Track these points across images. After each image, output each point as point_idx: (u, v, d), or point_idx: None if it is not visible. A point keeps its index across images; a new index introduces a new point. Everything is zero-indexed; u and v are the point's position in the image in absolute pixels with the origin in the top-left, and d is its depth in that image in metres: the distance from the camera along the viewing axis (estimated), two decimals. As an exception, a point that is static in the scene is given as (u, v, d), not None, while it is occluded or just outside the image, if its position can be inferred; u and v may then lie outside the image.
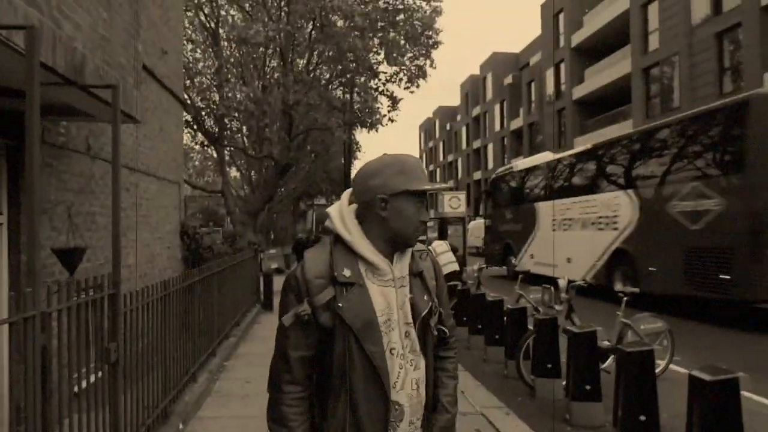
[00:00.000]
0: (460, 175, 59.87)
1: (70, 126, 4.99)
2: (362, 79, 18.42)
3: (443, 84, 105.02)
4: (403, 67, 18.67)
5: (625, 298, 5.68)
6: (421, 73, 19.11)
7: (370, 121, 18.48)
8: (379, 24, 17.39)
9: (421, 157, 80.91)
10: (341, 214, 1.64)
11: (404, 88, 19.39)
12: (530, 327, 5.71)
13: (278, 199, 28.44)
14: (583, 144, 32.15)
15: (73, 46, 3.19)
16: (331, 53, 16.70)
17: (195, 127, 18.38)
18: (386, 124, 18.78)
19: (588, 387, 4.57)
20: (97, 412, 3.14)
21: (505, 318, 6.49)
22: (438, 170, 70.94)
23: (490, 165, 50.30)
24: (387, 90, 19.47)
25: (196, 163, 36.57)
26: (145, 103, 6.31)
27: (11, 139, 4.12)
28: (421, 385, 1.60)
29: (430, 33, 18.70)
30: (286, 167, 18.42)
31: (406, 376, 1.56)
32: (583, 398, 4.59)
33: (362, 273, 1.57)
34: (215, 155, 22.57)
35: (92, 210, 5.51)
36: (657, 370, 4.87)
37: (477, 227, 36.55)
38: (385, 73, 19.17)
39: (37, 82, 2.56)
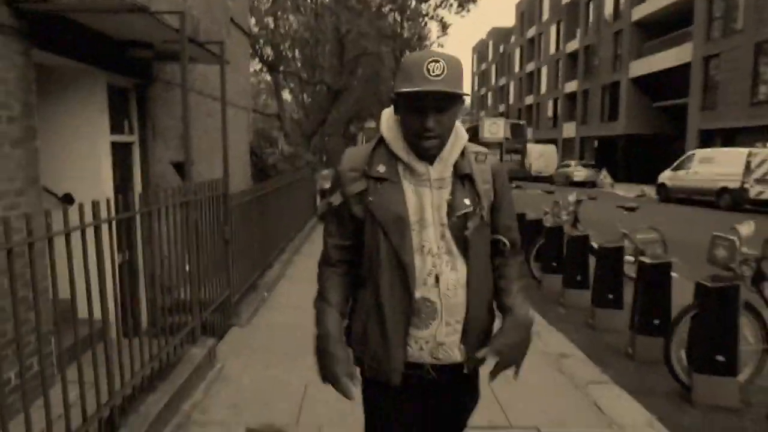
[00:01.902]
0: (512, 100, 58.95)
1: (174, 66, 6.30)
2: (413, 3, 18.86)
3: (499, 4, 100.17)
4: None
5: (624, 212, 6.70)
6: (473, -4, 19.31)
7: (419, 47, 19.10)
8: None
9: (473, 80, 79.38)
10: (388, 116, 1.67)
11: (455, 13, 19.72)
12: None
13: (330, 122, 29.61)
14: (637, 69, 31.40)
15: (192, 14, 4.41)
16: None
17: (252, 53, 19.54)
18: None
19: (611, 296, 5.12)
20: (218, 271, 4.65)
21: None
22: (490, 93, 69.77)
23: (543, 89, 49.38)
24: (437, 15, 19.86)
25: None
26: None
27: (140, 78, 5.45)
28: (459, 287, 1.57)
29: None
30: (338, 92, 19.46)
31: (440, 276, 1.55)
32: (606, 305, 5.13)
33: (399, 171, 1.59)
34: (269, 80, 23.79)
35: (190, 133, 6.92)
36: None
37: (538, 151, 36.67)
38: (435, -2, 19.50)
39: (185, 51, 3.85)
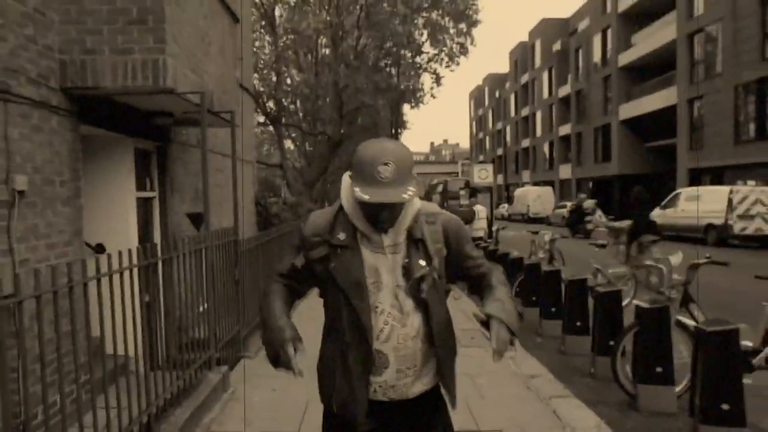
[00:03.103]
0: (509, 143, 60.42)
1: (188, 129, 7.14)
2: (408, 55, 20.03)
3: (492, 52, 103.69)
4: (443, 48, 20.12)
5: (596, 248, 7.18)
6: (463, 51, 20.54)
7: (413, 98, 20.23)
8: (424, 4, 18.80)
9: (471, 125, 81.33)
10: (347, 183, 1.80)
11: (445, 67, 20.92)
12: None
13: (331, 171, 30.71)
14: (627, 112, 32.59)
15: (209, 89, 5.26)
16: (373, 39, 18.38)
17: (256, 108, 20.69)
18: (427, 102, 20.50)
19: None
20: (228, 309, 5.31)
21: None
22: (487, 138, 71.44)
23: (539, 132, 50.78)
24: (430, 68, 21.06)
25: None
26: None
27: (160, 141, 6.26)
28: (409, 340, 1.74)
29: (471, 12, 19.97)
30: (338, 143, 20.47)
31: (392, 332, 1.73)
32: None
33: (357, 238, 1.77)
34: (272, 130, 24.90)
35: (201, 187, 7.70)
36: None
37: (525, 194, 37.81)
38: (428, 53, 20.73)
39: (204, 122, 4.66)
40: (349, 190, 1.77)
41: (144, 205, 6.04)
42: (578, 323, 5.74)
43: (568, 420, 3.98)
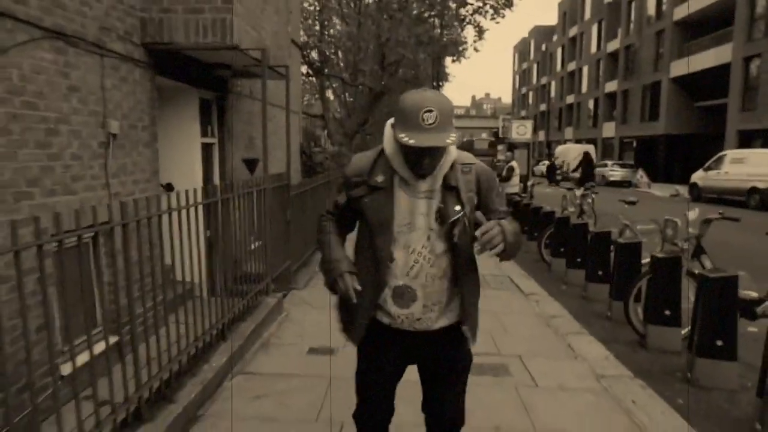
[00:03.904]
0: (553, 98, 58.95)
1: (243, 80, 7.66)
2: (452, 6, 19.82)
3: (540, 3, 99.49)
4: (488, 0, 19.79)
5: (626, 205, 7.21)
6: (507, 3, 20.18)
7: (456, 51, 20.14)
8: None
9: (514, 79, 79.34)
10: (389, 128, 1.92)
11: (490, 19, 20.62)
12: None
13: (371, 123, 31.00)
14: (678, 69, 31.45)
15: (265, 44, 5.73)
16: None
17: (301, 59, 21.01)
18: (469, 56, 20.43)
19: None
20: (277, 246, 5.95)
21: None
22: (531, 93, 69.78)
23: (584, 89, 49.39)
24: (474, 20, 20.80)
25: (297, 88, 39.52)
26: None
27: (219, 92, 6.81)
28: (436, 279, 1.90)
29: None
30: (379, 95, 20.69)
31: (421, 270, 1.89)
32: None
33: (395, 182, 1.89)
34: (314, 80, 25.24)
35: (253, 135, 8.28)
36: None
37: (566, 152, 37.27)
38: (472, 4, 20.44)
39: (265, 77, 5.16)
40: (391, 136, 1.89)
41: (206, 150, 6.66)
42: (600, 272, 6.17)
43: (580, 352, 4.49)
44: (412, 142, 1.73)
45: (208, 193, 4.16)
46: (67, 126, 3.77)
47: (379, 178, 1.89)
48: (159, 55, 5.03)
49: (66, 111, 3.76)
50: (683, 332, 4.61)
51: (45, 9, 3.52)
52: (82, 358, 2.74)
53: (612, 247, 6.23)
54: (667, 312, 4.55)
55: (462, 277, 1.95)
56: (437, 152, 1.83)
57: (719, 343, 3.82)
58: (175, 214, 3.52)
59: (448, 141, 1.75)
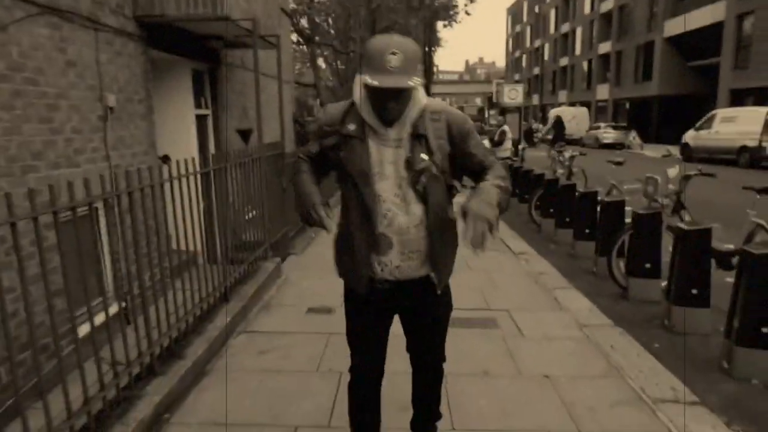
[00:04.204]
0: (546, 61, 58.43)
1: (234, 51, 7.70)
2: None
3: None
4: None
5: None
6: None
7: (447, 17, 19.98)
8: None
9: (507, 43, 78.35)
10: (359, 80, 1.87)
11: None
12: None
13: (364, 91, 30.75)
14: (672, 28, 31.18)
15: (255, 14, 5.79)
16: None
17: (291, 27, 20.78)
18: (461, 20, 20.27)
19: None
20: (275, 213, 6.13)
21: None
22: (525, 56, 69.02)
23: (577, 51, 48.94)
24: (464, -17, 20.56)
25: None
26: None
27: (211, 63, 6.88)
28: (411, 227, 1.92)
29: None
30: (370, 62, 20.59)
31: (394, 218, 1.91)
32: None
33: (365, 130, 1.90)
34: (305, 49, 25.02)
35: (246, 105, 8.36)
36: None
37: (570, 113, 37.12)
38: (463, -33, 20.20)
39: (256, 47, 5.25)
40: (360, 85, 1.88)
41: (200, 122, 6.77)
42: (587, 230, 6.39)
43: (565, 304, 4.74)
44: (375, 83, 1.74)
45: (206, 162, 4.30)
46: (67, 101, 3.90)
47: (351, 127, 1.91)
48: (151, 27, 5.11)
49: (64, 86, 3.88)
50: (663, 284, 4.85)
51: (39, -15, 3.61)
52: (99, 319, 2.94)
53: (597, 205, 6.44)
54: (648, 265, 4.79)
55: (432, 224, 1.94)
56: (402, 96, 1.82)
57: (694, 291, 4.06)
58: (176, 183, 3.66)
59: (410, 83, 1.76)
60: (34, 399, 2.45)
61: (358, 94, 1.91)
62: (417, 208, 1.92)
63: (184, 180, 3.71)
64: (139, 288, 3.15)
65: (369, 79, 1.75)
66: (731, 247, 4.73)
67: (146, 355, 2.99)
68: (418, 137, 1.89)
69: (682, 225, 4.15)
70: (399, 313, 2.18)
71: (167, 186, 3.49)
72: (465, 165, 2.01)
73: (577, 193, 6.77)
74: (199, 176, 4.07)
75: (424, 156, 1.88)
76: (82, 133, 4.08)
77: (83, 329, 3.42)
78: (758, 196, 4.80)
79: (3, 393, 3.00)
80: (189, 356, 3.32)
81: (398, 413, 2.64)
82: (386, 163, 1.90)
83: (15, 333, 2.54)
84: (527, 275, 5.71)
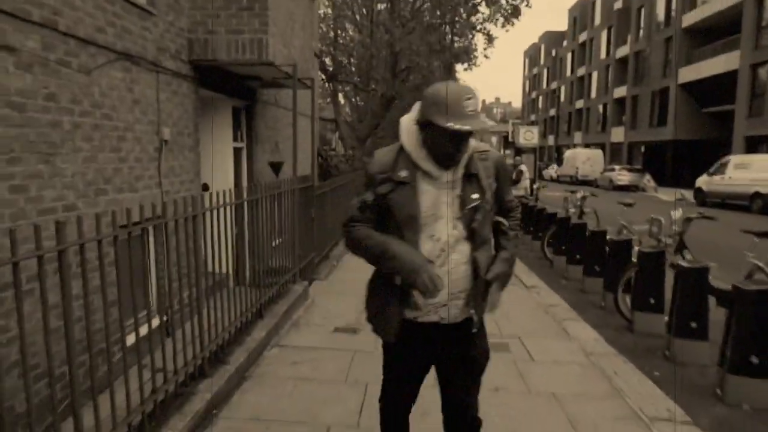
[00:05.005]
0: (562, 103, 59.34)
1: (268, 90, 8.32)
2: (463, 15, 20.46)
3: (550, 8, 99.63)
4: (500, 8, 20.38)
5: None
6: (515, 13, 20.77)
7: (467, 60, 20.74)
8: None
9: (524, 84, 79.73)
10: (407, 125, 1.97)
11: (501, 27, 21.21)
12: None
13: (382, 127, 31.71)
14: (687, 75, 31.81)
15: (294, 59, 6.38)
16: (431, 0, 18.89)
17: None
18: (479, 64, 21.02)
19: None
20: (302, 239, 6.58)
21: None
22: (541, 97, 70.17)
23: (593, 94, 49.78)
24: (484, 28, 21.40)
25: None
26: (305, 69, 9.51)
27: (248, 100, 7.47)
28: (460, 265, 1.95)
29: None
30: (390, 100, 21.33)
31: (447, 257, 1.94)
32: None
33: (417, 176, 1.94)
34: (327, 86, 25.98)
35: (277, 140, 8.93)
36: None
37: (574, 156, 37.76)
38: (483, 13, 21.05)
39: (295, 89, 5.81)
40: (409, 131, 1.98)
41: (236, 154, 7.31)
42: (596, 267, 6.74)
43: (573, 334, 5.07)
44: (458, 126, 1.80)
45: (239, 194, 4.71)
46: (132, 133, 4.43)
47: (403, 173, 1.94)
48: (202, 69, 5.69)
49: (131, 121, 4.42)
50: (665, 318, 5.17)
51: (117, 35, 4.18)
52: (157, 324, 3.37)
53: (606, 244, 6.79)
54: (652, 300, 5.12)
55: (480, 263, 1.99)
56: (470, 140, 1.94)
57: (693, 324, 4.39)
58: (217, 212, 4.05)
59: (490, 123, 1.96)
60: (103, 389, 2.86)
61: (407, 139, 1.98)
62: (466, 247, 1.97)
63: (221, 210, 4.06)
64: (179, 303, 3.56)
65: (451, 124, 1.81)
66: (728, 286, 5.05)
67: (198, 358, 3.40)
68: (470, 177, 1.98)
69: (682, 263, 4.51)
70: (440, 362, 2.16)
71: (208, 214, 3.85)
72: (499, 201, 2.13)
73: (587, 232, 7.13)
74: (233, 207, 4.46)
75: (474, 195, 1.96)
76: (142, 162, 4.60)
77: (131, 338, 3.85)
78: (757, 239, 5.15)
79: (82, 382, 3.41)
80: (232, 362, 3.72)
81: (420, 417, 3.00)
82: (440, 204, 1.95)
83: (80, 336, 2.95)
84: (538, 307, 6.05)
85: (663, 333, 5.05)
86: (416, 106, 1.98)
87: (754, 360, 3.58)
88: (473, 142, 2.01)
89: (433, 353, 2.11)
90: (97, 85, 3.93)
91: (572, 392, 3.76)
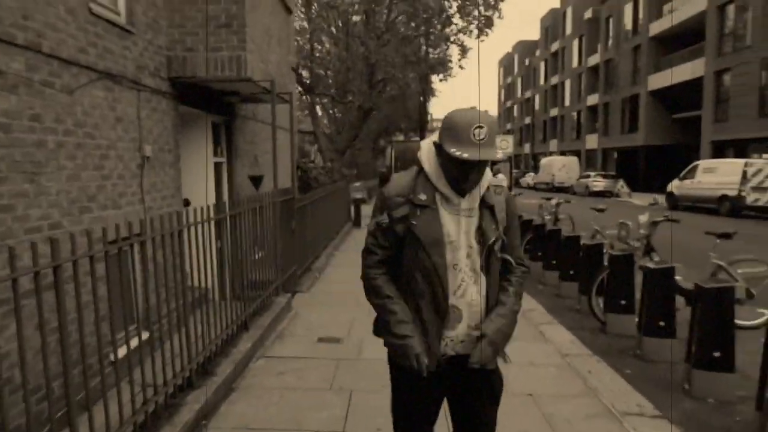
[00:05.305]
0: (537, 111, 60.39)
1: (247, 105, 8.42)
2: (438, 26, 20.83)
3: (523, 19, 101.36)
4: (473, 19, 20.81)
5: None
6: (488, 24, 21.21)
7: (442, 71, 21.12)
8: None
9: (499, 93, 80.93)
10: (428, 147, 1.97)
11: (475, 38, 21.62)
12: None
13: (360, 138, 31.94)
14: (656, 82, 32.73)
15: (271, 75, 6.50)
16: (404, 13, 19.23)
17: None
18: (455, 75, 21.42)
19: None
20: (284, 252, 6.67)
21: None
22: (516, 106, 71.28)
23: (567, 102, 50.80)
24: (458, 40, 21.81)
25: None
26: (283, 84, 9.62)
27: (227, 116, 7.56)
28: (478, 297, 1.90)
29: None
30: (368, 111, 21.56)
31: (467, 289, 1.90)
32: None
33: (436, 199, 1.91)
34: (305, 99, 26.14)
35: (256, 153, 9.02)
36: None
37: (550, 164, 38.49)
38: (457, 24, 21.45)
39: (274, 104, 5.92)
40: (430, 155, 1.97)
41: (216, 169, 7.38)
42: (571, 272, 6.95)
43: (549, 337, 5.25)
44: (465, 155, 1.80)
45: (218, 209, 4.77)
46: (115, 151, 4.50)
47: (422, 197, 1.91)
48: (181, 86, 5.78)
49: (114, 138, 4.49)
50: (636, 319, 5.39)
51: (99, 55, 4.27)
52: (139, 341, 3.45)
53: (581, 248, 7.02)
54: (623, 302, 5.34)
55: (491, 295, 1.96)
56: (483, 168, 1.91)
57: (661, 323, 4.60)
58: (199, 227, 4.11)
59: (498, 154, 1.89)
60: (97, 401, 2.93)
61: (427, 161, 1.97)
62: (482, 280, 1.93)
63: (202, 225, 4.11)
64: (166, 317, 3.63)
65: (457, 152, 1.81)
66: (691, 285, 5.30)
67: (186, 370, 3.47)
68: (487, 208, 1.95)
69: (649, 264, 4.73)
70: (453, 396, 2.10)
71: (186, 231, 3.89)
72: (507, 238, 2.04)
73: (562, 238, 7.36)
74: (213, 222, 4.51)
75: (493, 227, 1.93)
76: (125, 179, 4.67)
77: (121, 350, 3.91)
78: (718, 240, 5.41)
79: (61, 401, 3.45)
80: (219, 374, 3.80)
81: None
82: (460, 233, 1.92)
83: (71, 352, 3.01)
84: (516, 312, 6.22)
85: (634, 333, 5.27)
86: (437, 132, 1.98)
87: (717, 355, 3.79)
88: (489, 175, 2.00)
89: (445, 387, 2.04)
90: (80, 105, 4.00)
91: (548, 392, 3.93)
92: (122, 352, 3.24)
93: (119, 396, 2.67)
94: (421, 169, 1.97)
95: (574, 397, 3.87)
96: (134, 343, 3.23)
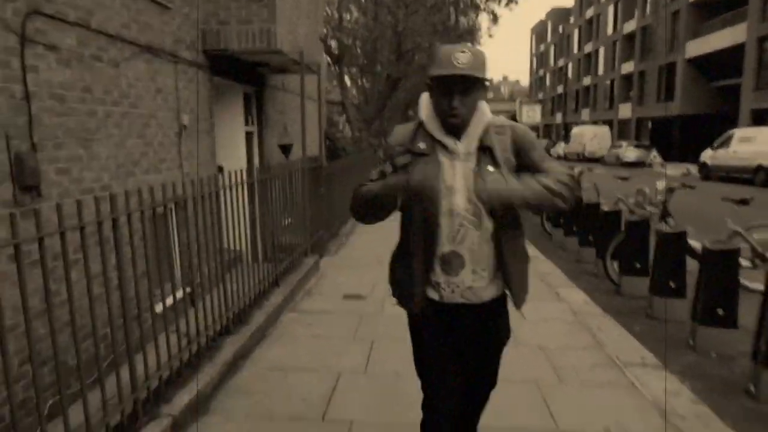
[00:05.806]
0: (570, 80, 59.00)
1: (276, 75, 8.69)
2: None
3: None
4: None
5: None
6: (518, -8, 20.79)
7: (471, 39, 20.91)
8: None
9: (531, 62, 79.12)
10: (426, 98, 1.97)
11: (504, 5, 21.29)
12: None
13: (389, 108, 31.90)
14: (694, 49, 31.61)
15: (300, 46, 6.74)
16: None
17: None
18: (484, 44, 21.15)
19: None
20: (313, 217, 7.01)
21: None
22: (548, 75, 69.68)
23: (600, 70, 49.48)
24: (488, 7, 21.50)
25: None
26: (311, 54, 9.85)
27: (258, 86, 7.85)
28: (483, 243, 1.87)
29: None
30: (396, 81, 21.58)
31: (467, 234, 1.87)
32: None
33: (436, 149, 1.91)
34: (334, 69, 26.25)
35: (285, 123, 9.32)
36: None
37: (581, 133, 37.77)
38: (487, -8, 21.11)
39: (303, 76, 6.18)
40: (427, 104, 1.96)
41: (247, 138, 7.72)
42: (590, 237, 7.12)
43: (564, 297, 5.49)
44: (444, 72, 1.78)
45: (250, 174, 5.10)
46: (156, 120, 4.86)
47: (421, 145, 1.92)
48: (215, 58, 6.08)
49: (154, 108, 4.84)
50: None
51: (140, 30, 4.59)
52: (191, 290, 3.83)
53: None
54: (638, 264, 5.51)
55: (503, 238, 1.90)
56: (468, 97, 1.84)
57: (672, 284, 4.78)
58: (233, 190, 4.40)
59: (477, 74, 1.79)
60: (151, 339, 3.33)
61: (425, 112, 1.97)
62: (488, 223, 1.88)
63: (235, 188, 4.43)
64: (224, 269, 3.99)
65: (435, 72, 1.80)
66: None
67: (224, 317, 3.86)
68: (484, 150, 1.91)
69: (661, 228, 4.89)
70: (466, 343, 2.06)
71: (222, 193, 4.22)
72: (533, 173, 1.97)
73: (583, 205, 7.49)
74: (246, 186, 4.80)
75: (490, 168, 1.88)
76: (165, 146, 5.03)
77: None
78: (736, 207, 5.51)
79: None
80: (253, 323, 4.18)
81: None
82: (458, 177, 1.89)
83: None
84: (534, 275, 6.37)
85: (647, 295, 5.46)
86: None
87: (720, 312, 3.98)
88: (489, 115, 1.95)
89: (463, 336, 2.01)
90: (125, 77, 4.34)
91: (558, 345, 4.19)
92: (169, 302, 3.62)
93: (167, 338, 3.05)
94: (420, 122, 1.98)
95: (581, 349, 4.13)
96: (179, 295, 3.60)
